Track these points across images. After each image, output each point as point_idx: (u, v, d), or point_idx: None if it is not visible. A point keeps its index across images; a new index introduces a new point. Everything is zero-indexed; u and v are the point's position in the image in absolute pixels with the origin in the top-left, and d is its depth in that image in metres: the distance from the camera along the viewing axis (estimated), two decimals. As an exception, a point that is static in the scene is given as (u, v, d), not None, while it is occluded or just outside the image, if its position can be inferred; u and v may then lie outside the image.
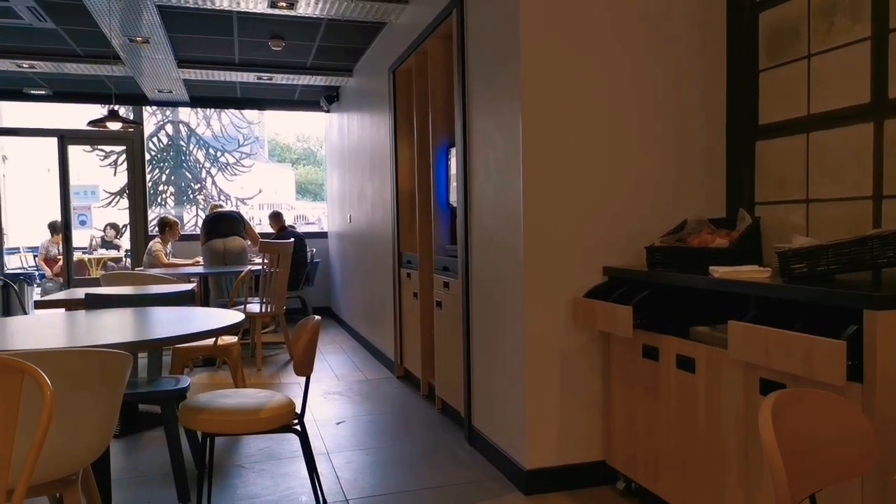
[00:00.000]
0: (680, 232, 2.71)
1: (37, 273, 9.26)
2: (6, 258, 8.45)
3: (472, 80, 3.33)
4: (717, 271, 2.22)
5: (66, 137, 7.80)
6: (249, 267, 5.74)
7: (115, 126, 5.31)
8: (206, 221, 6.62)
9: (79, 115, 7.63)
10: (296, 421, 2.39)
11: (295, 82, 6.92)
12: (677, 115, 2.93)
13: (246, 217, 6.93)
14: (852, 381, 1.69)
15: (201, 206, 12.30)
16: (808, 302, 1.87)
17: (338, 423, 3.88)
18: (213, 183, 12.79)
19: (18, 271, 9.49)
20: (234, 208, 9.86)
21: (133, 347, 2.00)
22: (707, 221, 2.71)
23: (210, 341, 3.96)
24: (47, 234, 9.42)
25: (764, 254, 2.60)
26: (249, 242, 6.61)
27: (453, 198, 3.93)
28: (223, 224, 6.49)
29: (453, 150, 3.83)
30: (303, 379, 2.42)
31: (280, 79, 6.72)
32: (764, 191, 2.77)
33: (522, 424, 2.83)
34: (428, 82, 4.16)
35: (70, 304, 3.82)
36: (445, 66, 4.00)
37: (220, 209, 6.95)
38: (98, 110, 7.39)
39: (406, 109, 4.73)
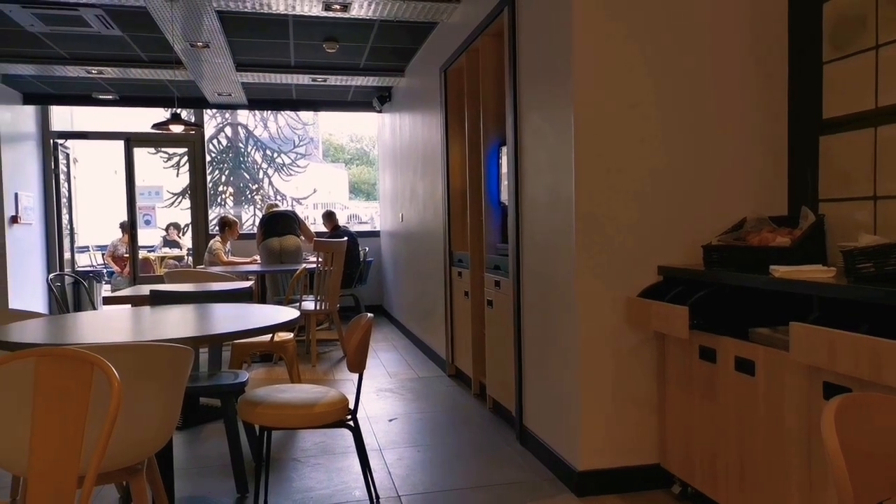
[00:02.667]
0: (739, 230, 2.63)
1: (105, 270, 9.67)
2: (76, 256, 8.86)
3: (524, 77, 3.31)
4: (778, 271, 2.15)
5: (131, 140, 8.14)
6: (304, 265, 5.86)
7: (177, 129, 5.51)
8: (263, 221, 6.78)
9: (144, 119, 7.94)
10: (349, 416, 2.43)
11: (348, 83, 7.03)
12: (736, 110, 2.85)
13: (301, 216, 7.08)
14: (924, 386, 1.61)
15: (259, 206, 12.62)
16: (876, 303, 1.79)
17: (390, 420, 3.92)
18: (270, 183, 13.12)
19: (88, 269, 9.94)
20: (289, 208, 10.08)
21: (194, 342, 2.07)
22: (768, 219, 2.62)
23: (267, 337, 4.07)
24: (117, 234, 9.83)
25: (828, 253, 2.51)
26: (304, 239, 6.75)
27: (504, 196, 3.92)
28: (279, 223, 6.64)
29: (504, 149, 3.82)
30: (356, 375, 2.46)
31: (334, 80, 6.84)
32: (828, 187, 2.66)
33: (575, 425, 2.80)
34: (479, 81, 4.16)
35: (136, 301, 3.98)
36: (496, 65, 4.00)
37: (275, 209, 7.12)
38: (161, 114, 7.68)
39: (457, 108, 4.75)
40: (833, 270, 2.11)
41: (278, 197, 12.90)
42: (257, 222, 7.20)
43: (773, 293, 2.24)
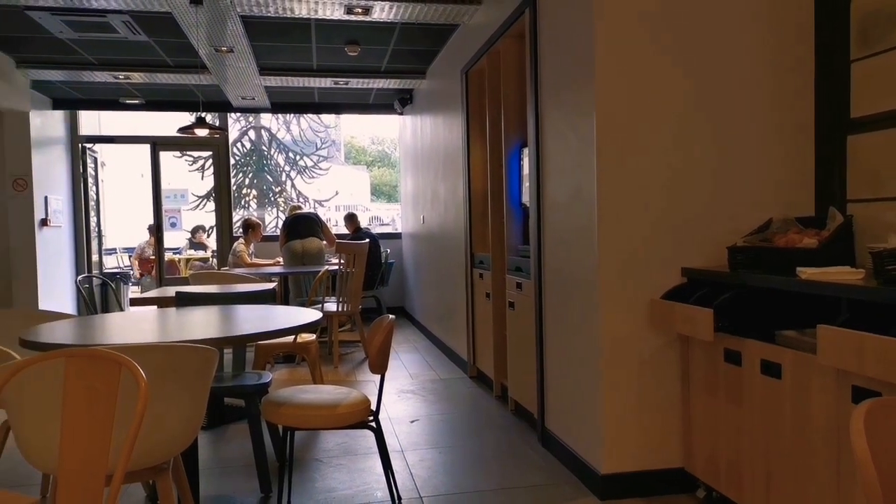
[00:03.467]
0: (765, 231, 2.60)
1: (131, 272, 9.82)
2: (104, 258, 9.01)
3: (545, 78, 3.30)
4: (805, 273, 2.12)
5: (158, 144, 8.26)
6: (327, 267, 5.90)
7: (202, 132, 5.58)
8: (286, 223, 6.84)
9: (169, 123, 8.06)
10: (371, 418, 2.44)
11: (370, 86, 7.07)
12: (761, 109, 2.81)
13: (323, 218, 7.12)
14: (957, 390, 1.57)
15: (282, 208, 12.73)
16: (907, 305, 1.76)
17: (412, 422, 3.93)
18: (293, 185, 13.22)
19: (115, 271, 10.11)
20: (311, 210, 10.14)
21: (219, 343, 2.10)
22: (794, 220, 2.59)
23: (290, 338, 4.10)
24: (143, 236, 9.98)
25: (857, 255, 2.46)
26: (326, 242, 6.80)
27: (526, 198, 3.91)
28: (302, 226, 6.70)
29: (526, 150, 3.81)
30: (378, 377, 2.47)
31: (356, 83, 6.88)
32: (856, 187, 2.62)
33: (597, 428, 2.79)
34: (500, 82, 4.15)
35: (162, 302, 4.04)
36: (518, 66, 3.99)
37: (298, 211, 7.16)
38: (187, 118, 7.78)
39: (478, 110, 4.75)
40: (862, 272, 2.07)
41: (301, 199, 12.99)
42: (280, 224, 7.25)
43: (799, 295, 2.20)
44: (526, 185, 3.88)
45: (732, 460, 2.44)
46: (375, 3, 4.50)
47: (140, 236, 10.17)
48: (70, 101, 7.55)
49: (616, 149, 2.72)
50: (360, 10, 4.64)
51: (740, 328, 2.38)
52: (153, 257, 8.81)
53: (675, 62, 2.75)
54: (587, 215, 2.82)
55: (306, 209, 8.57)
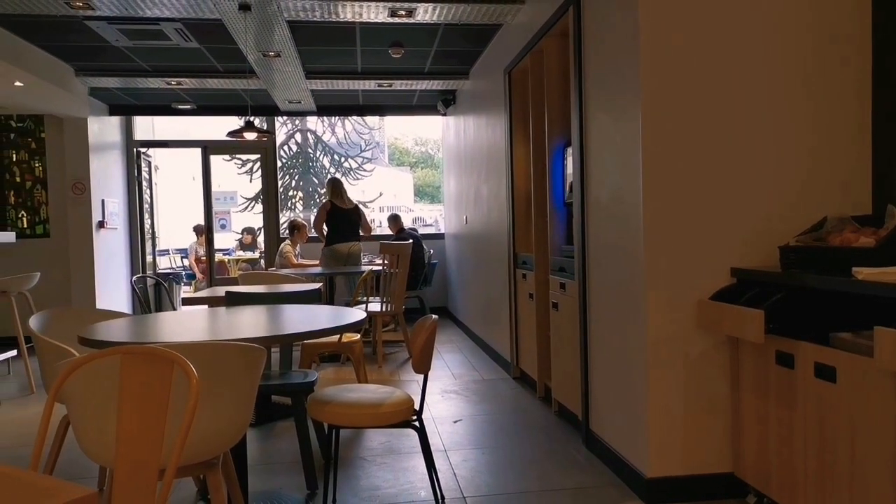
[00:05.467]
0: (819, 230, 2.51)
1: (183, 273, 10.10)
2: (157, 259, 9.29)
3: (589, 77, 3.27)
4: (862, 273, 2.04)
5: (208, 148, 8.49)
6: (371, 268, 5.95)
7: (251, 136, 5.69)
8: (330, 212, 6.56)
9: (219, 127, 8.26)
10: (414, 417, 2.45)
11: (413, 87, 7.11)
12: (815, 103, 2.72)
13: (366, 217, 7.10)
14: None
15: (328, 209, 12.91)
16: (972, 308, 1.68)
17: (455, 422, 3.94)
18: (338, 187, 13.41)
19: (168, 271, 10.41)
20: (354, 203, 9.80)
21: (267, 342, 2.14)
22: (850, 219, 2.50)
23: (335, 338, 4.16)
24: (194, 237, 10.26)
25: (918, 254, 2.36)
26: (363, 233, 6.74)
27: (569, 197, 3.87)
28: (348, 229, 6.63)
29: (569, 150, 3.77)
30: (421, 377, 2.48)
31: (399, 85, 6.93)
32: (918, 184, 2.51)
33: (644, 431, 2.74)
34: (543, 82, 4.13)
35: (212, 302, 4.14)
36: (561, 65, 3.96)
37: (343, 205, 6.69)
38: (236, 122, 7.97)
39: (521, 110, 4.73)
40: (923, 273, 1.99)
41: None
42: (323, 201, 6.87)
43: (855, 296, 2.13)
44: (570, 184, 3.85)
45: (785, 466, 2.37)
46: (419, 4, 4.53)
47: (191, 237, 10.46)
48: (125, 107, 7.81)
49: (662, 147, 2.67)
50: (403, 13, 4.68)
51: (792, 330, 2.31)
52: (204, 257, 9.05)
53: (723, 59, 2.68)
54: (633, 215, 2.78)
55: (351, 199, 7.67)
